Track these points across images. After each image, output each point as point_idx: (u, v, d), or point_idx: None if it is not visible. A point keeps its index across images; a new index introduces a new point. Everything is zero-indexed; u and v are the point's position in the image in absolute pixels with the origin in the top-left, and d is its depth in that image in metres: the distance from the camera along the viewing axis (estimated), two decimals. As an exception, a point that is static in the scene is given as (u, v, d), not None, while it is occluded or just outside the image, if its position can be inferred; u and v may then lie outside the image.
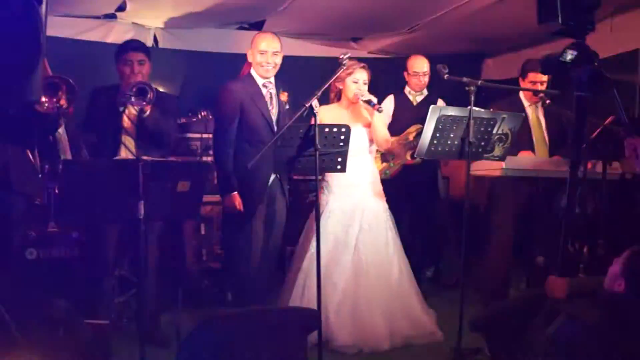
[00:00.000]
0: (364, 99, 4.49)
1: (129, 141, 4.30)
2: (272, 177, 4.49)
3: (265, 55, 4.45)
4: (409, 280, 4.69)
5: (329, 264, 4.47)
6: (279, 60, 4.51)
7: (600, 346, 2.37)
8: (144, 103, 4.08)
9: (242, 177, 4.40)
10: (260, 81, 4.51)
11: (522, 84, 5.16)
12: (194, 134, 5.82)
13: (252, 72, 4.53)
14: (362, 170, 4.68)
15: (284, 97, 4.55)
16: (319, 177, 4.06)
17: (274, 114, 4.52)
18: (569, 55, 2.77)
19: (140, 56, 4.33)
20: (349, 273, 4.51)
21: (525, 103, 5.15)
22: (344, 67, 4.12)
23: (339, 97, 4.69)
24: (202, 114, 5.69)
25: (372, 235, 4.62)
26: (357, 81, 4.56)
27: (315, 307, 4.30)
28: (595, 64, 2.80)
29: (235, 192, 4.40)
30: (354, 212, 4.62)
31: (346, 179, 4.57)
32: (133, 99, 4.08)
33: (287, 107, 4.56)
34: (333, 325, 4.35)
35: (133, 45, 4.45)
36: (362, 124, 4.65)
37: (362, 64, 4.61)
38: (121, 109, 4.18)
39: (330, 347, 4.28)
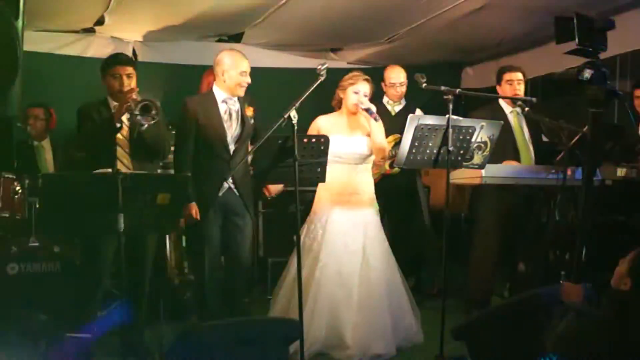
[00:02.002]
0: (364, 107, 4.53)
1: (123, 156, 4.27)
2: (225, 187, 4.46)
3: (245, 75, 4.47)
4: (403, 282, 4.77)
5: (340, 274, 4.52)
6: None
7: (608, 341, 2.44)
8: (151, 119, 4.08)
9: (195, 188, 4.39)
10: (220, 97, 4.49)
11: (500, 89, 5.22)
12: (172, 147, 5.79)
13: (215, 88, 4.52)
14: (362, 179, 4.72)
15: (250, 112, 4.55)
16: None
17: (231, 130, 4.50)
18: (586, 74, 2.91)
19: (128, 70, 4.33)
20: (360, 282, 4.54)
21: (507, 110, 5.20)
22: (323, 78, 4.13)
23: (339, 106, 4.72)
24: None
25: (376, 242, 4.67)
26: (357, 92, 4.58)
27: (326, 317, 4.40)
28: (608, 82, 2.94)
29: (193, 202, 4.38)
30: (357, 220, 4.64)
31: (348, 187, 4.63)
32: (139, 117, 4.07)
33: (252, 121, 4.56)
34: (345, 337, 4.39)
35: (121, 59, 4.44)
36: (361, 133, 4.67)
37: (365, 76, 4.64)
38: (118, 125, 4.14)
39: (333, 356, 4.35)
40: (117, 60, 4.40)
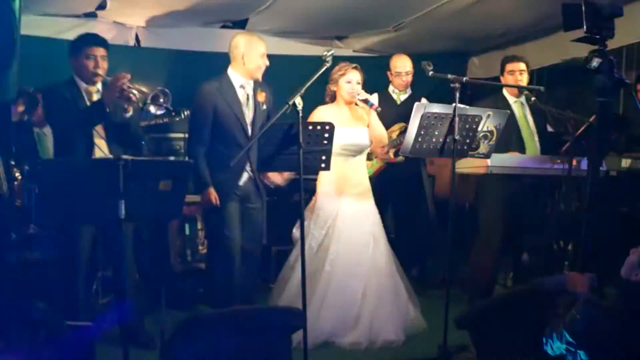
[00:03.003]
0: (361, 97, 4.51)
1: (100, 143, 4.20)
2: (245, 176, 4.43)
3: (264, 58, 4.42)
4: (402, 271, 4.78)
5: (350, 264, 4.52)
6: None
7: (617, 330, 2.43)
8: (164, 109, 4.04)
9: (214, 176, 4.36)
10: (238, 82, 4.43)
11: (503, 79, 5.20)
12: (176, 134, 5.76)
13: (230, 72, 4.45)
14: (361, 170, 4.74)
15: (262, 97, 4.49)
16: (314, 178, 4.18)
17: (248, 115, 4.45)
18: (595, 63, 2.88)
19: (102, 51, 4.23)
20: (369, 269, 4.56)
21: (511, 100, 5.16)
22: (328, 64, 4.09)
23: (333, 99, 4.69)
24: (185, 113, 5.64)
25: (379, 231, 4.69)
26: (350, 81, 4.57)
27: (337, 309, 4.43)
28: (616, 70, 2.90)
29: (211, 188, 4.34)
30: (365, 211, 4.66)
31: (352, 178, 4.64)
32: (152, 108, 4.02)
33: (264, 107, 4.50)
34: (355, 324, 4.42)
35: (96, 40, 4.30)
36: (363, 124, 4.66)
37: (354, 65, 4.62)
38: (108, 109, 4.05)
39: (339, 344, 4.37)
40: (93, 40, 4.28)
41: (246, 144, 4.31)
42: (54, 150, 4.39)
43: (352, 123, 4.62)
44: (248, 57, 4.38)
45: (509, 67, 5.15)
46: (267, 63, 4.43)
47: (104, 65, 4.21)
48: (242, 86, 4.43)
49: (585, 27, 2.88)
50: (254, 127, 4.44)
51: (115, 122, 4.15)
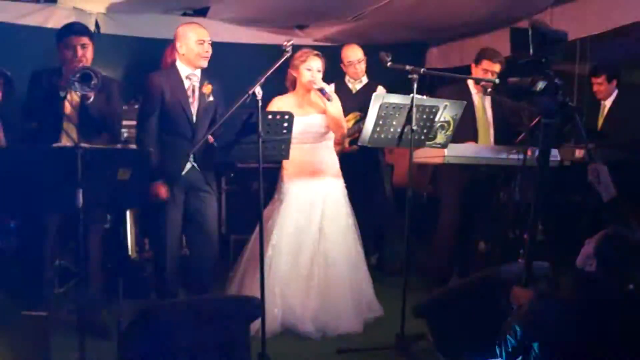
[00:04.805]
0: (317, 87, 4.51)
1: (70, 128, 4.18)
2: (188, 166, 4.41)
3: (204, 44, 4.38)
4: (363, 261, 4.80)
5: (292, 253, 4.53)
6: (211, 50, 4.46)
7: (572, 322, 2.47)
8: (88, 89, 3.98)
9: (158, 165, 4.31)
10: (184, 73, 4.41)
11: (474, 70, 5.20)
12: (135, 122, 5.69)
13: (178, 63, 4.43)
14: (321, 157, 4.73)
15: (207, 89, 4.47)
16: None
17: (194, 106, 4.43)
18: (540, 85, 2.95)
19: (83, 40, 4.21)
20: (315, 261, 4.56)
21: (473, 91, 5.21)
22: (288, 54, 4.10)
23: (294, 86, 4.69)
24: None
25: (335, 221, 4.68)
26: (310, 69, 4.56)
27: (279, 296, 4.41)
28: (560, 92, 2.98)
29: (161, 181, 4.31)
30: (315, 200, 4.65)
31: (306, 166, 4.63)
32: (77, 84, 3.96)
33: (210, 99, 4.49)
34: (301, 316, 4.42)
35: (75, 28, 4.30)
36: (316, 111, 4.65)
37: (315, 52, 4.61)
38: (62, 94, 4.06)
39: (295, 334, 4.37)
40: (71, 29, 4.27)
41: (190, 134, 4.36)
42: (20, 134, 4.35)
43: (304, 111, 4.60)
44: (186, 46, 4.36)
45: (485, 64, 5.11)
46: (208, 50, 4.39)
47: (85, 54, 4.19)
48: (188, 77, 4.41)
49: (531, 51, 2.96)
50: (198, 118, 4.42)
51: (83, 109, 4.14)
